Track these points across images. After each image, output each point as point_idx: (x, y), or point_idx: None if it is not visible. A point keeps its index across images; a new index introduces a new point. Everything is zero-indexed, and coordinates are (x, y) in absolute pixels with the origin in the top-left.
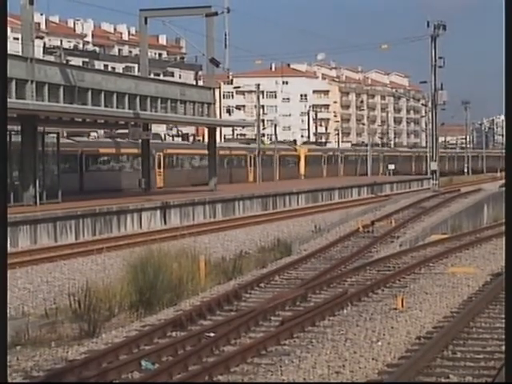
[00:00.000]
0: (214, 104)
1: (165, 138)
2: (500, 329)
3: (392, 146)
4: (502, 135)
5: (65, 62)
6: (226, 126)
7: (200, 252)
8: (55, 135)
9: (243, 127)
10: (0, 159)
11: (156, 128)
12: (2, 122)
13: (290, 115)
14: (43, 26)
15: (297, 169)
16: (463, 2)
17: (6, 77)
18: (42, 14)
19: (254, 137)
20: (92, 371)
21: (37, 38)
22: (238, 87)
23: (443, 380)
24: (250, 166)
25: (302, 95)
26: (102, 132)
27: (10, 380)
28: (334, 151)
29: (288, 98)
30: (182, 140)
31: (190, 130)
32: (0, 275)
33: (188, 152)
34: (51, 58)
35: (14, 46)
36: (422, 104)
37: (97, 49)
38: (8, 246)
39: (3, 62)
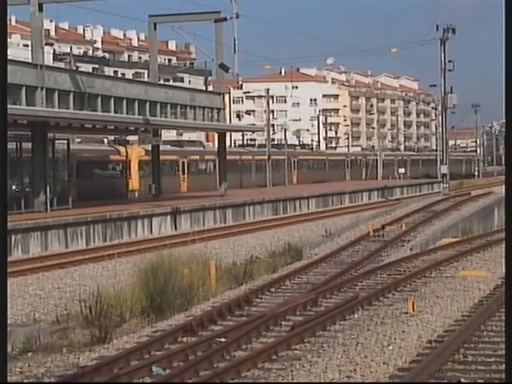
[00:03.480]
0: (224, 109)
1: None
2: None
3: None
4: None
5: (74, 68)
6: (235, 131)
7: (211, 257)
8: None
9: (253, 132)
10: (0, 166)
11: (165, 134)
12: (2, 129)
13: (299, 120)
14: (53, 33)
15: (124, 182)
16: (471, 3)
17: (6, 81)
18: (51, 21)
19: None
20: (103, 377)
21: (47, 44)
22: (248, 92)
23: (464, 380)
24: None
25: (311, 100)
26: None
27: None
28: (202, 155)
29: (298, 103)
30: None
31: (201, 135)
32: (0, 276)
33: None
34: (61, 65)
35: (24, 53)
36: (432, 107)
37: (106, 55)
38: (19, 252)
39: (3, 65)
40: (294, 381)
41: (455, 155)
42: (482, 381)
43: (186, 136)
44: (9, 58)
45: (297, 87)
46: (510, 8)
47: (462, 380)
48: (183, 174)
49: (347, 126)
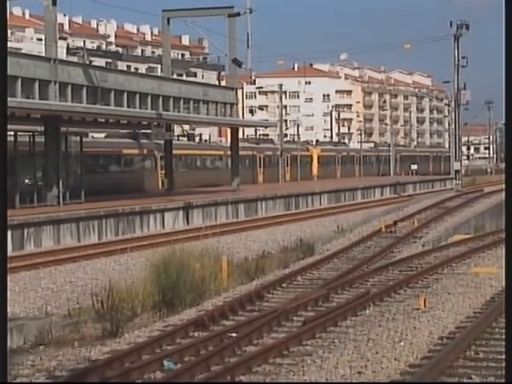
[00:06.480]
0: (237, 104)
1: None
2: None
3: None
4: None
5: (88, 62)
6: (248, 126)
7: (223, 252)
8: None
9: (266, 127)
10: (0, 160)
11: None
12: (3, 122)
13: (312, 115)
14: (66, 27)
15: None
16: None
17: (6, 74)
18: (65, 15)
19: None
20: (114, 371)
21: (60, 38)
22: (261, 87)
23: (466, 380)
24: None
25: (324, 95)
26: None
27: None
28: None
29: (311, 98)
30: None
31: (213, 130)
32: (0, 272)
33: None
34: (74, 59)
35: (37, 47)
36: (445, 104)
37: (120, 49)
38: (32, 246)
39: (3, 57)
40: (305, 377)
41: (420, 151)
42: (493, 378)
43: (198, 131)
44: (22, 51)
45: (310, 83)
46: (510, 8)
47: (473, 377)
48: None
49: (360, 121)
